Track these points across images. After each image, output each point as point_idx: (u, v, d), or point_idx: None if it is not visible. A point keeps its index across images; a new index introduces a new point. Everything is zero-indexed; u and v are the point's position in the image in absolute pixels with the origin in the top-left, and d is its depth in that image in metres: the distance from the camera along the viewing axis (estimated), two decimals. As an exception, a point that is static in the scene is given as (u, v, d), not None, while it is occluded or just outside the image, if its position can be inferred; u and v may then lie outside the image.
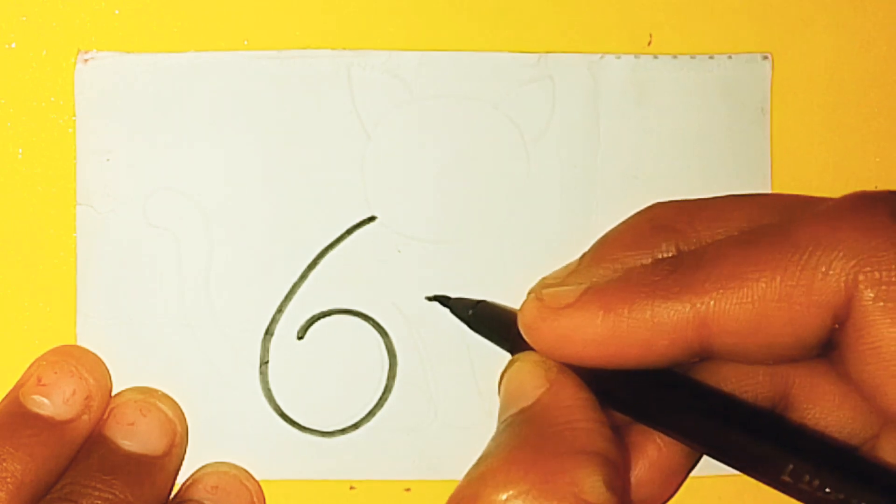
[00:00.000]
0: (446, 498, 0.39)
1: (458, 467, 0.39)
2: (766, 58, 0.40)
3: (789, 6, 0.40)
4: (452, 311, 0.38)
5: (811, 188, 0.40)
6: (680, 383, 0.31)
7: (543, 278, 0.32)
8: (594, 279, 0.31)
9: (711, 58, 0.40)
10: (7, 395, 0.37)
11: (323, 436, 0.39)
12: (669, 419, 0.30)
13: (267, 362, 0.39)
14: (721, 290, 0.28)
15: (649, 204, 0.33)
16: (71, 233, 0.39)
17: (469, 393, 0.39)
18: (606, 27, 0.40)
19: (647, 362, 0.30)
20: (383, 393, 0.39)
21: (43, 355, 0.38)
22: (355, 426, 0.39)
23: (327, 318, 0.39)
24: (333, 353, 0.39)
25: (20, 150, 0.39)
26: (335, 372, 0.39)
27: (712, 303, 0.28)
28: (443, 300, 0.38)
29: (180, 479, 0.38)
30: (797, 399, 0.32)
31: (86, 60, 0.39)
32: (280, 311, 0.39)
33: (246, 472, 0.39)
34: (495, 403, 0.39)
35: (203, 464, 0.39)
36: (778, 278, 0.28)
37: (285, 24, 0.39)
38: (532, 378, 0.31)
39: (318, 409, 0.39)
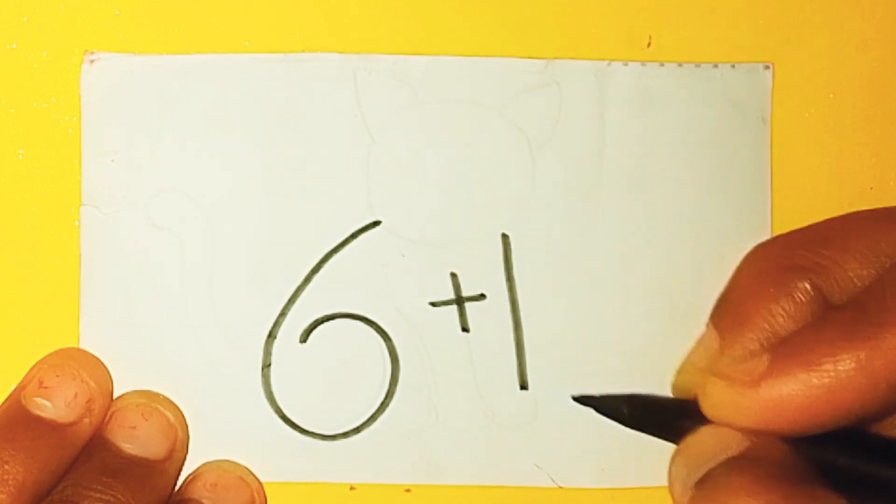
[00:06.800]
0: (446, 501, 0.39)
1: (459, 471, 0.40)
2: (767, 67, 0.40)
3: (791, 16, 0.40)
4: (600, 411, 0.32)
5: (811, 197, 0.40)
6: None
7: (681, 365, 0.30)
8: (756, 346, 0.28)
9: (715, 66, 0.40)
10: (8, 398, 0.37)
11: (324, 439, 0.39)
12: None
13: (269, 365, 0.39)
14: None
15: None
16: (74, 234, 0.39)
17: (471, 397, 0.39)
18: (614, 34, 0.40)
19: (865, 413, 0.27)
20: (385, 397, 0.39)
21: (44, 358, 0.37)
22: (357, 430, 0.39)
23: (330, 322, 0.39)
24: (336, 356, 0.39)
25: (21, 151, 0.39)
26: (337, 375, 0.39)
27: None
28: (587, 401, 0.33)
29: (181, 481, 0.38)
30: None
31: (91, 61, 0.39)
32: (283, 314, 0.39)
33: (247, 469, 0.39)
34: (496, 406, 0.40)
35: (204, 465, 0.39)
36: None
37: (290, 27, 0.39)
38: (729, 436, 0.28)
39: (320, 413, 0.39)
